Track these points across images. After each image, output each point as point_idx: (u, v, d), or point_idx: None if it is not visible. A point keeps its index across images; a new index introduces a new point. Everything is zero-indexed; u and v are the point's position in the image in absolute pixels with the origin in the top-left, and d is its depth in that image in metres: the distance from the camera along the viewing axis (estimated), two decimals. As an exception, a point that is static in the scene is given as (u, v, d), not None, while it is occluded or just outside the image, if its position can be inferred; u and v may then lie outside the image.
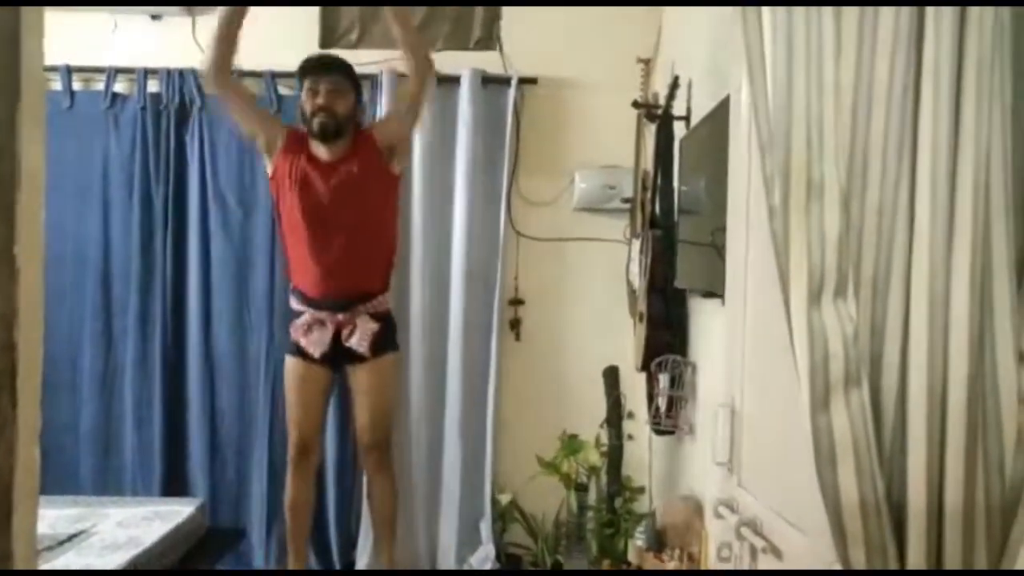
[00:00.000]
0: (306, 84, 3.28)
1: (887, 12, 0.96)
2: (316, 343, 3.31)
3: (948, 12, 0.92)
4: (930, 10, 0.94)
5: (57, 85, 4.18)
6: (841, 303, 0.96)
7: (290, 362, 3.42)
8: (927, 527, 0.91)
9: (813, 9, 1.00)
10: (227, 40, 3.19)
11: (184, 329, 4.24)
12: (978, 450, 0.90)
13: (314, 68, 3.29)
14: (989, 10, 0.91)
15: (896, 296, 0.92)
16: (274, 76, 4.16)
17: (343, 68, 3.31)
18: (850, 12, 0.98)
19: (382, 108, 4.10)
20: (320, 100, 3.22)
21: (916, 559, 0.91)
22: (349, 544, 4.17)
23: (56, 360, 4.22)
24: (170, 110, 4.20)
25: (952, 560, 0.90)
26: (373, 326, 3.32)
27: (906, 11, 0.95)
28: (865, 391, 0.94)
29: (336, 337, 3.32)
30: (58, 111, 4.14)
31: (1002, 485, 0.91)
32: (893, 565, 0.93)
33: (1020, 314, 0.89)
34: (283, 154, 3.32)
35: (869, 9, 0.97)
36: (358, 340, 3.29)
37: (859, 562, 0.94)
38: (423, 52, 3.33)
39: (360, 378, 3.40)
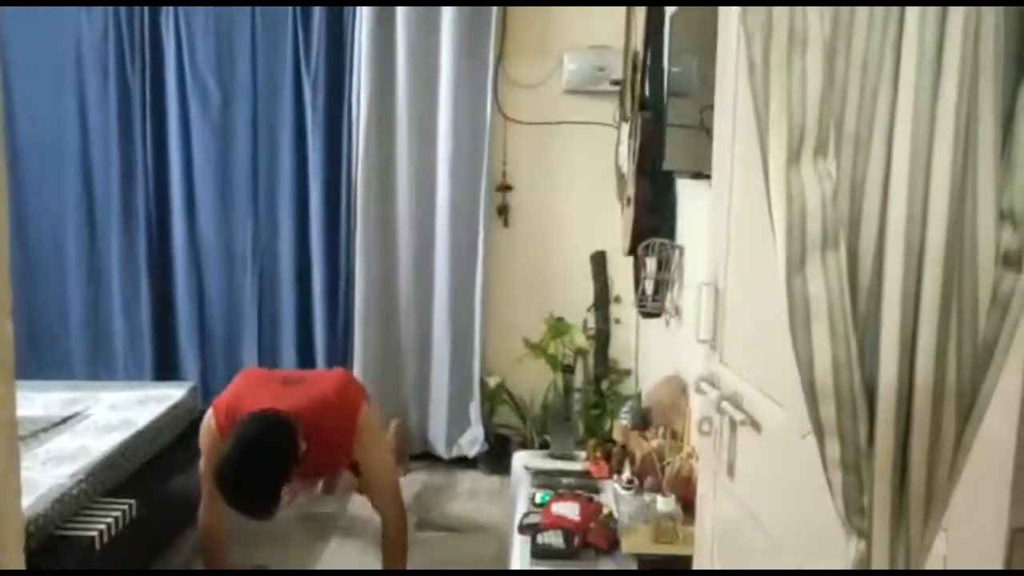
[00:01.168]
0: None
1: None
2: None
3: None
4: None
5: (24, -38, 4.02)
6: (821, 161, 0.94)
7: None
8: (898, 385, 0.93)
9: None
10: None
11: (168, 216, 4.22)
12: (952, 309, 0.91)
13: None
14: None
15: (878, 153, 0.90)
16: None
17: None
18: None
19: (362, 47, 3.98)
20: None
21: (886, 415, 0.93)
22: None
23: (41, 250, 4.21)
24: (143, -11, 4.06)
25: (921, 417, 0.92)
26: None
27: None
28: (842, 252, 0.93)
29: None
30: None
31: (974, 344, 0.92)
32: (863, 421, 0.95)
33: (1003, 170, 0.88)
34: None
35: None
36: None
37: (829, 418, 0.96)
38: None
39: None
